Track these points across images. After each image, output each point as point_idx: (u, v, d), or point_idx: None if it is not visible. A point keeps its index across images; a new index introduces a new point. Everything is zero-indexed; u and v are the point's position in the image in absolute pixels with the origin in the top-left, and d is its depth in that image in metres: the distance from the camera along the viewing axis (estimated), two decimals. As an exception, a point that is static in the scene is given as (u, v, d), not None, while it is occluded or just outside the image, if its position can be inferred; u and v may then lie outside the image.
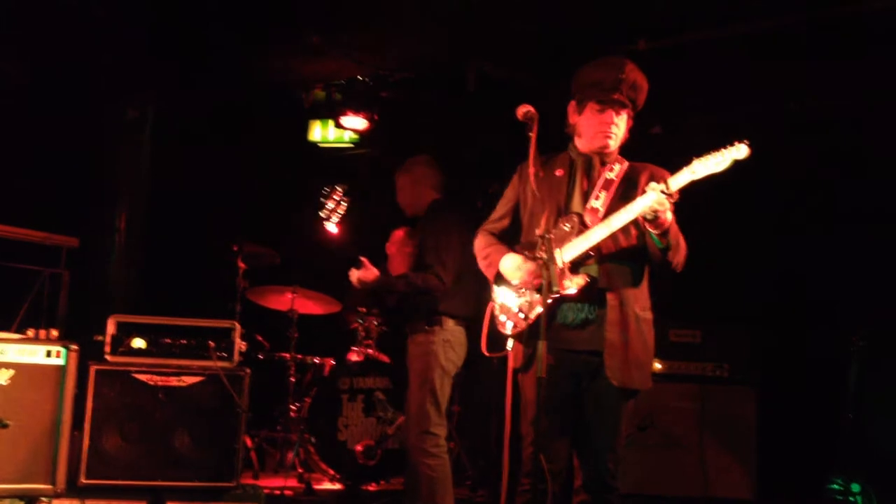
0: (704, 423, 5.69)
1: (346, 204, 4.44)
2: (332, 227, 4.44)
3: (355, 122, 6.97)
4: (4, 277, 4.72)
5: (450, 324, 4.58)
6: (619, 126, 3.41)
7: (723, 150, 3.07)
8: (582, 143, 3.49)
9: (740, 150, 3.05)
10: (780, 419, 5.84)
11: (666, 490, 5.60)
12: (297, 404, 6.23)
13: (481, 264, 3.65)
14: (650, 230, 3.19)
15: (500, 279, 3.53)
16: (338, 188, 4.44)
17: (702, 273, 6.04)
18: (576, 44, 5.48)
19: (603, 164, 3.45)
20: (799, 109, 5.98)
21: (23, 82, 6.32)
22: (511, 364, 3.43)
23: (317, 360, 6.56)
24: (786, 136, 6.04)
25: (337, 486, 5.94)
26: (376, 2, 5.60)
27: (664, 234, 3.19)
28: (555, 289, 3.06)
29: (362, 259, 4.61)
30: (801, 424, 5.89)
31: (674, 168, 3.20)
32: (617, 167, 3.43)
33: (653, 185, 3.11)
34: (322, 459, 5.85)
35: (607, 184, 3.39)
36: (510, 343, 3.43)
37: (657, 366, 5.65)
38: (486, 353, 3.54)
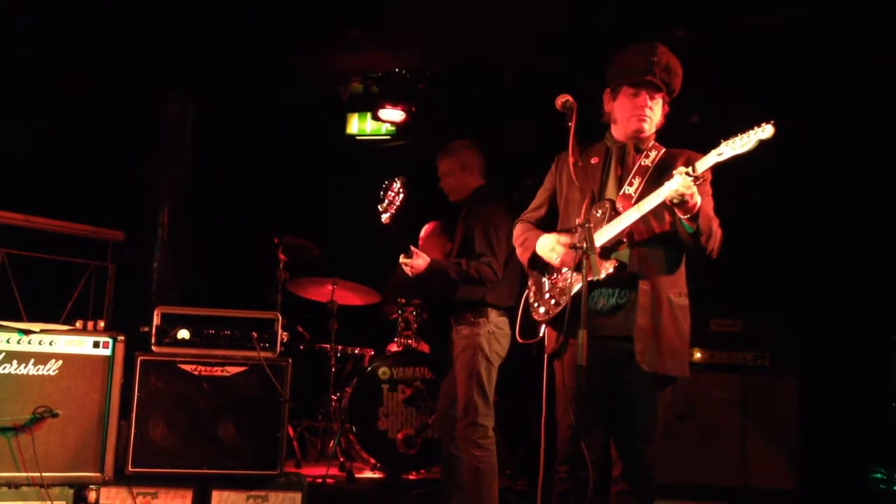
0: (745, 412, 5.64)
1: (403, 196, 4.42)
2: (385, 217, 4.42)
3: (393, 115, 7.02)
4: (53, 270, 4.82)
5: (493, 315, 4.55)
6: (654, 110, 3.40)
7: (749, 131, 3.04)
8: (617, 130, 3.48)
9: (765, 131, 3.00)
10: (822, 409, 5.78)
11: (706, 480, 5.57)
12: (338, 394, 6.29)
13: (518, 250, 3.67)
14: (679, 215, 3.17)
15: (534, 263, 3.53)
16: (396, 180, 4.43)
17: (743, 261, 6.03)
18: (613, 33, 5.45)
19: (638, 150, 3.43)
20: (836, 95, 5.89)
21: (64, 79, 6.42)
22: (547, 350, 3.43)
23: (357, 351, 6.61)
24: (827, 121, 5.97)
25: (378, 475, 5.99)
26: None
27: (693, 218, 3.16)
28: (595, 278, 3.04)
29: (412, 247, 4.55)
30: (843, 414, 5.83)
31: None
32: (653, 153, 3.41)
33: (680, 168, 3.10)
34: (363, 448, 5.91)
35: (642, 170, 3.37)
36: (542, 329, 3.43)
37: (697, 355, 5.63)
38: (520, 340, 3.54)
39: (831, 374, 5.93)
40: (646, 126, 3.40)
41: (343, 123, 7.76)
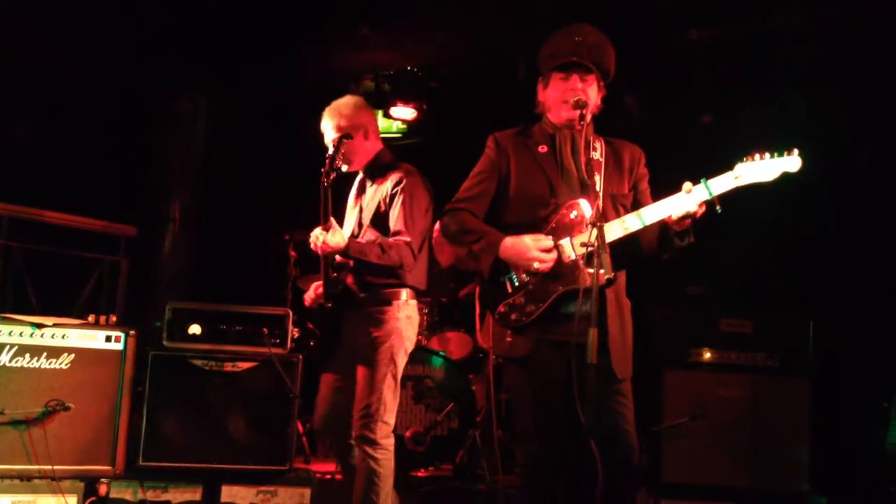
0: (756, 413, 5.62)
1: (340, 163, 4.02)
2: (326, 181, 4.00)
3: (404, 113, 7.02)
4: (66, 265, 4.85)
5: (411, 298, 4.03)
6: (588, 93, 3.20)
7: (770, 156, 2.91)
8: (553, 118, 3.31)
9: (792, 163, 2.89)
10: (833, 410, 5.76)
11: (716, 480, 5.54)
12: (348, 391, 6.28)
13: (467, 250, 3.26)
14: (674, 228, 3.05)
15: (496, 265, 3.21)
16: (339, 143, 4.02)
17: (755, 261, 6.02)
18: (626, 33, 5.44)
19: (586, 141, 3.22)
20: (850, 103, 5.87)
21: (79, 76, 6.46)
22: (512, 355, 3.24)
23: (366, 348, 6.60)
24: (839, 126, 5.94)
25: (386, 472, 6.00)
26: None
27: (686, 232, 3.06)
28: (608, 277, 2.84)
29: (330, 220, 3.85)
30: (854, 415, 5.81)
31: (718, 163, 3.01)
32: (598, 146, 3.27)
33: (687, 185, 2.96)
34: (372, 445, 5.91)
35: (596, 165, 3.21)
36: (508, 333, 3.21)
37: (707, 355, 5.61)
38: (484, 345, 3.36)
39: (843, 374, 5.91)
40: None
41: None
